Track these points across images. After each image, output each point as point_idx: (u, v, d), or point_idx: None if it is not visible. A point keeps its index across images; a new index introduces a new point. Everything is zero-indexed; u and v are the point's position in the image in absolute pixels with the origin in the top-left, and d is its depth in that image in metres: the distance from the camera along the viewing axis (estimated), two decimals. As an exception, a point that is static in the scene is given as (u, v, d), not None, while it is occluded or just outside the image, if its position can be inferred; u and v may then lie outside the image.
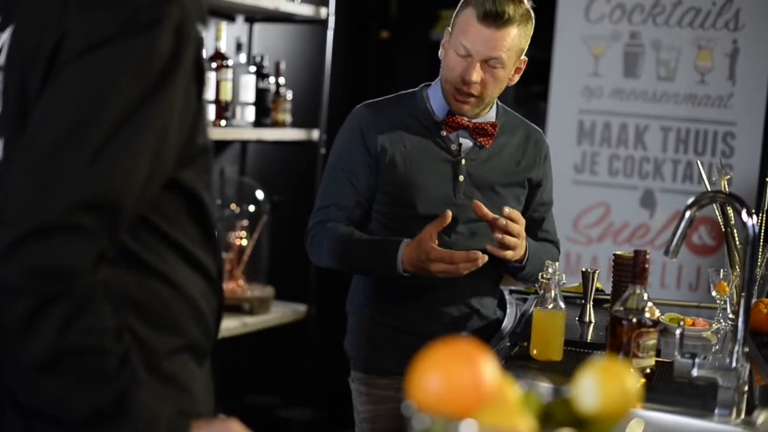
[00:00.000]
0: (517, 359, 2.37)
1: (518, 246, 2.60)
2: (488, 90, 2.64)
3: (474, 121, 2.71)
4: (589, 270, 2.77)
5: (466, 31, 2.59)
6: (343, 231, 2.67)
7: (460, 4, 2.65)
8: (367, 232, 2.72)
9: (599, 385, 1.25)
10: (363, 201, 2.72)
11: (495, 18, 2.55)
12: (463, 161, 2.71)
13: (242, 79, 4.04)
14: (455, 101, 2.66)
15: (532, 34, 2.67)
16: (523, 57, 2.67)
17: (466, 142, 2.72)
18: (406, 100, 2.77)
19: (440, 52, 2.71)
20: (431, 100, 2.74)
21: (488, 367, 1.13)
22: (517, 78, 2.71)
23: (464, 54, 2.60)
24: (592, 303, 2.76)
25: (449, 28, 2.68)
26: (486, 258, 2.50)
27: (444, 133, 2.71)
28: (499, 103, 2.80)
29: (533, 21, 2.65)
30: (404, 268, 2.56)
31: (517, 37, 2.59)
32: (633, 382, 1.27)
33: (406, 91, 2.81)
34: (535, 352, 2.37)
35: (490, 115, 2.75)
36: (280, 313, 4.22)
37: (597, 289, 2.79)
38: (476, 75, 2.59)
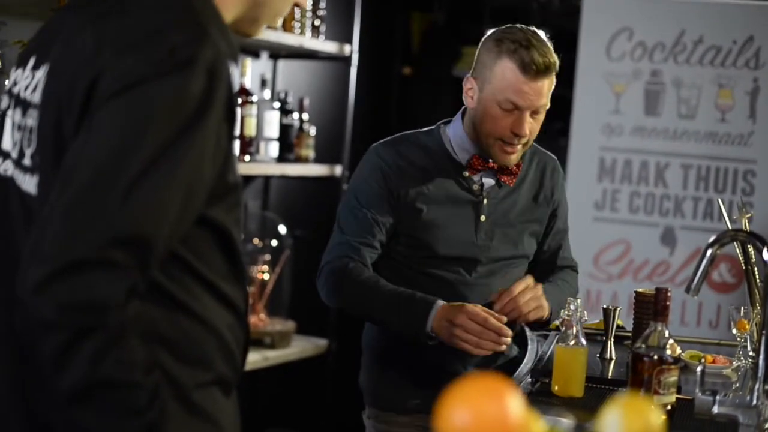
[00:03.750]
0: (538, 395, 2.38)
1: (540, 308, 2.60)
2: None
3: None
4: (610, 307, 2.78)
5: (513, 87, 2.55)
6: (368, 276, 2.60)
7: (489, 51, 2.59)
8: (379, 271, 2.67)
9: (623, 421, 1.27)
10: (384, 239, 2.67)
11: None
12: (485, 201, 2.70)
13: (266, 115, 4.09)
14: (503, 153, 2.62)
15: None
16: None
17: (488, 181, 2.71)
18: (424, 140, 2.72)
19: (470, 102, 2.64)
20: (452, 140, 2.70)
21: (515, 403, 1.15)
22: None
23: (511, 108, 2.57)
24: (613, 340, 2.77)
25: (471, 76, 2.63)
26: (509, 339, 2.48)
27: (467, 173, 2.69)
28: None
29: None
30: (433, 326, 2.50)
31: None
32: (656, 419, 1.28)
33: (421, 129, 2.76)
34: (556, 388, 2.38)
35: None
36: (301, 347, 4.24)
37: (618, 326, 2.80)
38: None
